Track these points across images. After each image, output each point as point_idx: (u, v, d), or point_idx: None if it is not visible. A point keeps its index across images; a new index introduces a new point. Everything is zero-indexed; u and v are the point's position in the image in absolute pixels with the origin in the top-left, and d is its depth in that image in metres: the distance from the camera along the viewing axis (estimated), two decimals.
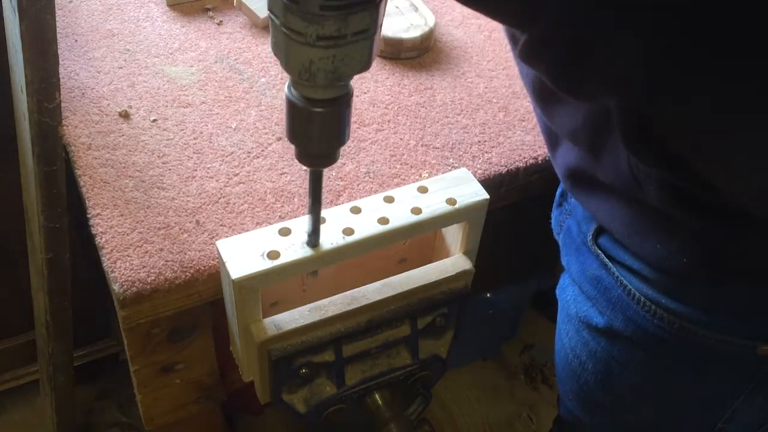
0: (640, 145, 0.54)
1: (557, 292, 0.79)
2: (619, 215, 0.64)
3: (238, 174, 0.81)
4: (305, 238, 0.67)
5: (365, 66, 0.51)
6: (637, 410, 0.74)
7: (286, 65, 0.50)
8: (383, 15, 0.50)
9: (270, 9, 0.48)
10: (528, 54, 0.55)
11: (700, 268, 0.61)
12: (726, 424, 0.70)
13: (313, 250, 0.66)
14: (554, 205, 0.80)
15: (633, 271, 0.66)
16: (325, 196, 0.80)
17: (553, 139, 0.70)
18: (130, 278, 0.71)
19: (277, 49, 0.50)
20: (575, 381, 0.78)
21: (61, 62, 0.79)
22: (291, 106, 0.54)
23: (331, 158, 0.59)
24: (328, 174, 0.82)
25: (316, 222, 0.65)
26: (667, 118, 0.52)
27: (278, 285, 0.70)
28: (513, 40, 0.58)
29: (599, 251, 0.69)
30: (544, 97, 0.64)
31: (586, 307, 0.72)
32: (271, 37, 0.50)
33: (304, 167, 0.82)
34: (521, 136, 0.89)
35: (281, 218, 0.77)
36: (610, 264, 0.68)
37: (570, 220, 0.75)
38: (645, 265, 0.64)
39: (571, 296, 0.75)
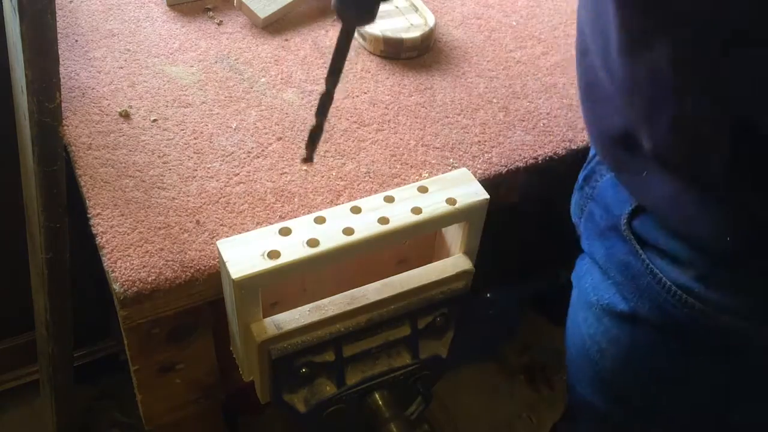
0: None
1: (573, 278, 0.78)
2: (662, 188, 0.62)
3: (238, 174, 0.81)
4: (306, 237, 0.67)
5: None
6: (655, 396, 0.74)
7: None
8: None
9: None
10: None
11: (744, 251, 0.59)
12: (746, 412, 0.70)
13: (313, 250, 0.66)
14: (575, 188, 0.79)
15: (666, 255, 0.64)
16: (325, 196, 0.80)
17: (593, 97, 0.68)
18: (130, 278, 0.71)
19: None
20: (592, 368, 0.76)
21: (61, 62, 0.79)
22: None
23: (369, 12, 0.58)
24: (328, 174, 0.82)
25: (328, 100, 0.63)
26: None
27: (278, 285, 0.70)
28: None
29: (632, 236, 0.67)
30: (635, 29, 0.59)
31: (609, 294, 0.70)
32: None
33: (304, 167, 0.82)
34: (521, 136, 0.89)
35: (281, 218, 0.77)
36: (640, 250, 0.66)
37: (592, 203, 0.73)
38: (681, 245, 0.63)
39: (590, 283, 0.73)
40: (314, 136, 0.66)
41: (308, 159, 0.67)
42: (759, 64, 0.49)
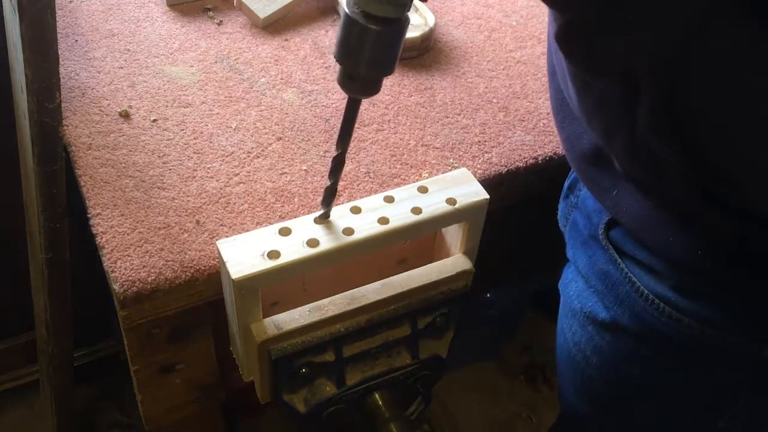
0: (666, 132, 0.53)
1: (560, 286, 0.78)
2: (632, 205, 0.63)
3: (238, 174, 0.81)
4: (306, 237, 0.67)
5: None
6: (640, 405, 0.74)
7: None
8: None
9: None
10: (562, 34, 0.54)
11: (713, 265, 0.60)
12: (728, 423, 0.70)
13: (313, 250, 0.66)
14: (561, 196, 0.79)
15: (643, 266, 0.65)
16: None
17: (564, 116, 0.69)
18: (130, 278, 0.71)
19: None
20: (579, 375, 0.77)
21: (61, 62, 0.79)
22: (347, 20, 0.56)
23: (372, 86, 0.60)
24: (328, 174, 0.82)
25: (340, 165, 0.65)
26: (699, 98, 0.50)
27: (278, 285, 0.70)
28: (555, 20, 0.58)
29: (609, 245, 0.68)
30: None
31: (592, 302, 0.71)
32: None
33: (304, 167, 0.82)
34: (521, 136, 0.89)
35: (281, 218, 0.77)
36: (619, 259, 0.67)
37: (576, 212, 0.74)
38: (656, 258, 0.64)
39: (574, 291, 0.74)
40: (328, 196, 0.68)
41: (325, 216, 0.69)
42: (699, 93, 0.50)
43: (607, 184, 0.65)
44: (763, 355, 0.62)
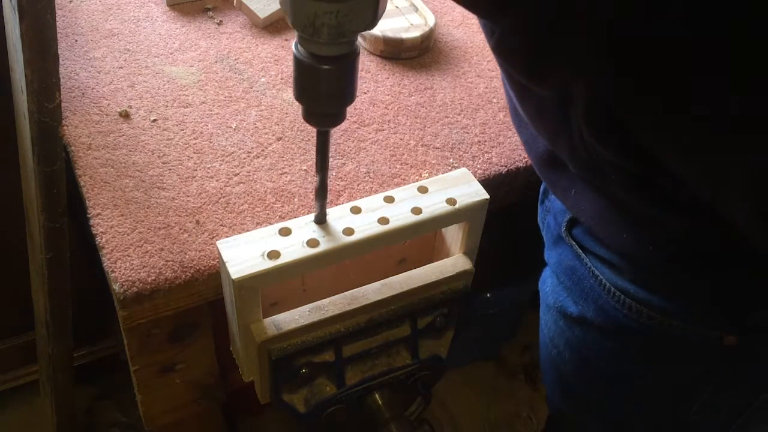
0: (603, 131, 0.54)
1: (539, 285, 0.80)
2: (588, 204, 0.64)
3: (238, 174, 0.81)
4: (306, 237, 0.67)
5: (370, 24, 0.51)
6: (612, 399, 0.75)
7: (292, 19, 0.51)
8: None
9: None
10: (500, 45, 0.55)
11: (665, 258, 0.61)
12: (698, 414, 0.71)
13: (313, 250, 0.66)
14: (538, 201, 0.81)
15: (604, 261, 0.67)
16: None
17: (519, 121, 0.70)
18: (130, 278, 0.71)
19: (284, 4, 0.51)
20: (556, 371, 0.79)
21: (61, 62, 0.79)
22: (298, 64, 0.55)
23: (337, 118, 0.60)
24: (328, 174, 0.82)
25: (323, 190, 0.65)
26: (630, 102, 0.51)
27: (278, 285, 0.70)
28: (490, 33, 0.58)
29: (573, 242, 0.70)
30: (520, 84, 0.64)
31: (562, 297, 0.73)
32: None
33: (304, 167, 0.82)
34: None
35: (281, 218, 0.77)
36: (582, 254, 0.69)
37: (549, 216, 0.76)
38: (614, 254, 0.65)
39: (549, 287, 0.76)
40: (320, 215, 0.68)
41: (321, 221, 0.69)
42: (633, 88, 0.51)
43: (565, 184, 0.66)
44: (724, 344, 0.63)
